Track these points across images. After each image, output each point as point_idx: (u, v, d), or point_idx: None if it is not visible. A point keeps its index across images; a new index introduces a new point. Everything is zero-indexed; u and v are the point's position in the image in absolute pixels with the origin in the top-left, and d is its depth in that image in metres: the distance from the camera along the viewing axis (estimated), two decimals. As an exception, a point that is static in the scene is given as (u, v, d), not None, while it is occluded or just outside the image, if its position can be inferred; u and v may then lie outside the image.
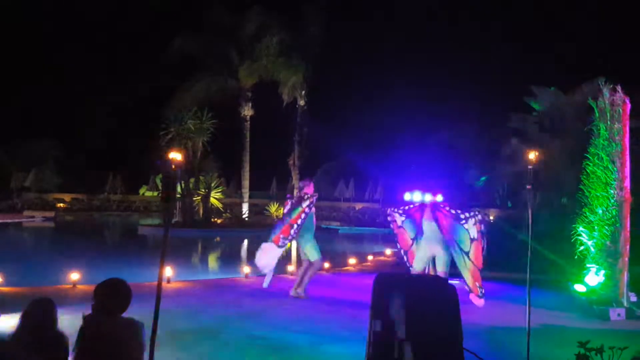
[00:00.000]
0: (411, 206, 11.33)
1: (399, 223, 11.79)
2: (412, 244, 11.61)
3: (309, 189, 11.20)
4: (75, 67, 48.19)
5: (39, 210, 38.44)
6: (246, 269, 13.97)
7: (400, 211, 11.65)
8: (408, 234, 11.65)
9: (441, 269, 10.66)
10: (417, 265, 11.04)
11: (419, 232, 11.15)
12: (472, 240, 10.22)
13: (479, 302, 10.46)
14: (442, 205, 10.73)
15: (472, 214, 10.28)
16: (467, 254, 10.37)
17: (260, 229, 31.83)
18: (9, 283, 11.53)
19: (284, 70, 32.80)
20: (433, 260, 10.93)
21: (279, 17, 32.95)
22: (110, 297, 4.21)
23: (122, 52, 44.47)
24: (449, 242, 10.66)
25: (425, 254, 10.95)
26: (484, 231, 10.12)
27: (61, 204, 42.34)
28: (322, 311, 10.41)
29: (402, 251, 11.98)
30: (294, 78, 33.06)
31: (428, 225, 10.84)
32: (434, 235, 10.76)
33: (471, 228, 10.19)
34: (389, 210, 12.05)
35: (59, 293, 10.65)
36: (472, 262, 10.30)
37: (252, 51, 32.82)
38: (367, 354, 4.24)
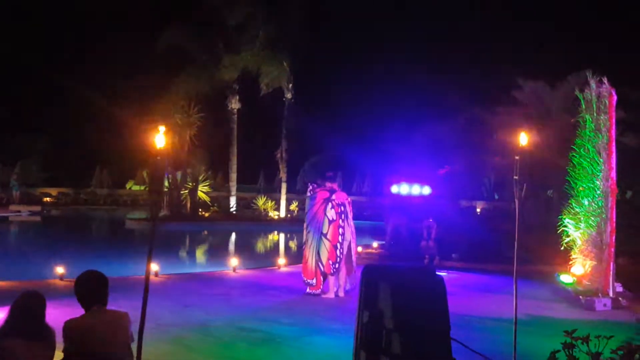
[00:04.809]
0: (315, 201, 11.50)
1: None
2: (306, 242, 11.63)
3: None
4: (62, 60, 47.79)
5: (25, 204, 38.10)
6: (234, 263, 13.96)
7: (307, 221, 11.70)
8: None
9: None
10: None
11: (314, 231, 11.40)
12: (330, 222, 11.14)
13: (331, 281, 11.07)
14: None
15: None
16: (325, 235, 11.18)
17: (248, 222, 31.90)
18: (-5, 277, 11.45)
19: (267, 62, 32.57)
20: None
21: (264, 8, 32.60)
22: (94, 289, 4.13)
23: (111, 44, 44.04)
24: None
25: (346, 238, 11.25)
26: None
27: (48, 198, 42.04)
28: (309, 303, 10.44)
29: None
30: (277, 71, 32.84)
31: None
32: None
33: (329, 211, 11.18)
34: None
35: (47, 287, 10.56)
36: (329, 240, 11.12)
37: (237, 43, 32.54)
38: (356, 344, 4.25)
